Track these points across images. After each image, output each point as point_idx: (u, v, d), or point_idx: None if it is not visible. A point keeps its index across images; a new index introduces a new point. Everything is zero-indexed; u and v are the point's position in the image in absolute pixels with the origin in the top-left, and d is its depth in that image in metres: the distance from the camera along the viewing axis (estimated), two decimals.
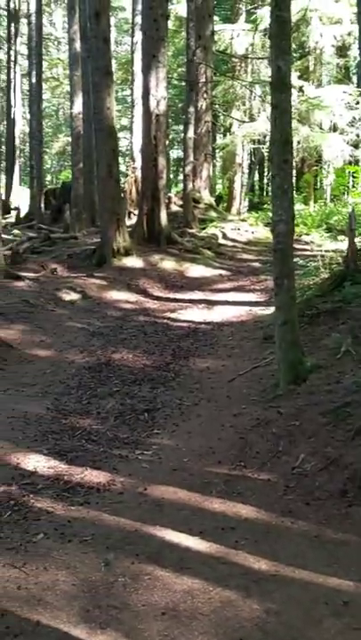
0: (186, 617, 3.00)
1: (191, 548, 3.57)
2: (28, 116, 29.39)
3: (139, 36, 17.31)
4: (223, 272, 12.74)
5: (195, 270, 12.60)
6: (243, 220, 18.43)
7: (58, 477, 4.48)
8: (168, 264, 12.56)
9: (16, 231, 18.25)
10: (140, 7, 16.60)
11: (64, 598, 3.12)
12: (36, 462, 4.71)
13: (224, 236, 15.71)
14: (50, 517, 3.91)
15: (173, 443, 5.08)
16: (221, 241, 15.30)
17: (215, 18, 19.37)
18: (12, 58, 24.50)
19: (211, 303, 10.28)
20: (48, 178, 36.53)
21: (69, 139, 32.10)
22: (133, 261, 12.22)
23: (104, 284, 11.07)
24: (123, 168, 20.12)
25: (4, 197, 23.19)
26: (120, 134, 17.48)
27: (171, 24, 18.65)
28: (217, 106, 20.85)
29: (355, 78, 21.43)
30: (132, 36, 20.92)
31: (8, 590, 3.15)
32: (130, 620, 2.97)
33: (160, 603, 3.09)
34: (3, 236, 12.28)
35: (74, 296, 10.30)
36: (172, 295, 11.02)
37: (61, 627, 2.91)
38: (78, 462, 4.73)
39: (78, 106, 17.08)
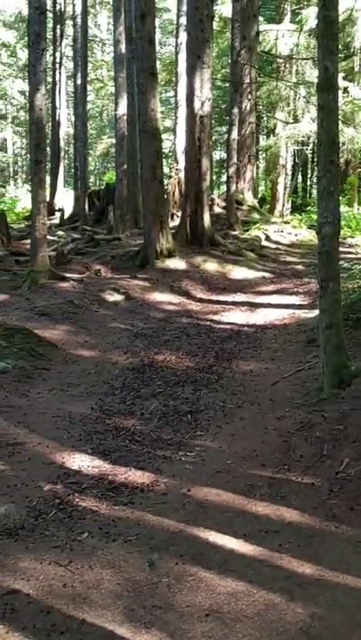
0: (230, 619, 3.01)
1: (235, 550, 3.58)
2: (73, 118, 29.78)
3: (183, 37, 17.39)
4: (266, 274, 12.70)
5: (237, 272, 12.60)
6: (286, 223, 18.33)
7: (102, 477, 4.55)
8: (211, 266, 12.59)
9: (60, 232, 18.53)
10: (185, 8, 16.68)
11: (109, 597, 3.17)
12: (81, 461, 4.79)
13: (267, 238, 15.65)
14: (94, 516, 3.97)
15: (217, 445, 5.10)
16: (264, 243, 15.26)
17: (260, 18, 19.27)
18: (58, 60, 24.82)
19: (254, 305, 10.25)
20: (91, 179, 36.99)
21: (113, 140, 32.40)
22: (176, 263, 12.29)
23: (147, 285, 11.16)
24: (166, 170, 20.22)
25: (48, 199, 23.53)
26: (163, 136, 17.57)
27: (215, 25, 18.64)
28: (261, 107, 20.79)
29: None
30: (177, 37, 21.00)
31: (54, 588, 3.22)
32: (174, 620, 3.01)
33: (204, 604, 3.12)
34: (47, 237, 12.46)
35: (117, 297, 10.41)
36: (214, 297, 11.03)
37: (106, 625, 2.96)
38: (122, 462, 4.80)
39: (123, 107, 17.24)
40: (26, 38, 28.61)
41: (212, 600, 3.15)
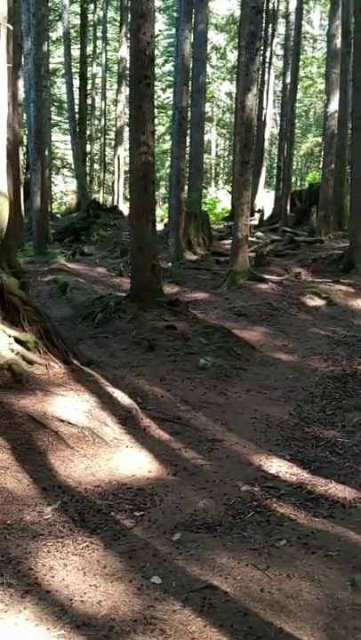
0: None
1: None
2: (278, 118, 29.88)
3: None
4: None
5: None
6: None
7: (301, 485, 4.47)
8: None
9: (259, 233, 18.71)
10: None
11: (307, 610, 3.10)
12: (279, 467, 4.76)
13: None
14: (293, 525, 3.91)
15: None
16: None
17: None
18: (268, 59, 25.09)
19: None
20: (292, 180, 36.88)
21: (318, 139, 32.04)
22: None
23: (351, 290, 10.83)
24: None
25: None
26: None
27: None
28: None
29: None
30: None
31: (251, 591, 3.22)
32: None
33: None
34: (248, 238, 12.63)
35: (318, 302, 10.25)
36: None
37: (305, 639, 2.90)
38: (322, 473, 4.68)
39: (334, 105, 16.93)
40: (236, 40, 29.39)
41: None
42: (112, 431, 5.03)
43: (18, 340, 5.59)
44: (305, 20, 32.16)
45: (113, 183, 31.34)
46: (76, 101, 28.81)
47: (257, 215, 22.64)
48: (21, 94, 17.49)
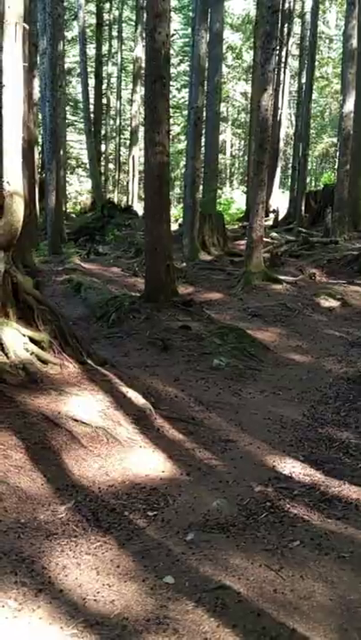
0: None
1: None
2: (293, 118, 29.81)
3: None
4: None
5: None
6: None
7: (314, 486, 4.47)
8: None
9: (274, 234, 18.67)
10: None
11: (320, 611, 3.10)
12: (292, 467, 4.76)
13: None
14: (306, 526, 3.91)
15: None
16: None
17: None
18: (283, 59, 25.04)
19: None
20: (307, 180, 36.75)
21: (334, 140, 31.94)
22: None
23: None
24: None
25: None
26: None
27: None
28: None
29: None
30: None
31: (264, 591, 3.22)
32: None
33: None
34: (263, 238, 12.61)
35: (333, 303, 10.22)
36: None
37: None
38: (335, 474, 4.67)
39: (350, 105, 16.86)
40: (251, 40, 29.36)
41: None
42: (126, 431, 5.05)
43: (32, 340, 5.62)
44: (321, 19, 32.04)
45: (128, 183, 31.48)
46: (92, 101, 28.92)
47: (272, 216, 22.61)
48: (37, 93, 17.57)
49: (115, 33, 33.79)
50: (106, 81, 34.16)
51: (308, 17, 23.25)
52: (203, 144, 16.39)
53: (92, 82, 30.34)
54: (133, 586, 3.24)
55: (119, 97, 34.64)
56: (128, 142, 32.52)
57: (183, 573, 3.34)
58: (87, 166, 31.42)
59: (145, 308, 8.59)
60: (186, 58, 33.85)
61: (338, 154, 18.60)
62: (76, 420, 4.92)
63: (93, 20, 32.16)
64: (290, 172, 28.64)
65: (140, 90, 26.83)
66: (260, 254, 11.66)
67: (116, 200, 30.19)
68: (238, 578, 3.31)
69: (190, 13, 24.96)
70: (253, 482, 4.46)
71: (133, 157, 29.34)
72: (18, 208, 5.62)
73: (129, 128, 32.27)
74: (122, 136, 35.93)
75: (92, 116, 27.94)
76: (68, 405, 5.08)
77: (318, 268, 12.87)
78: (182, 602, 3.10)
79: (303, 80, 22.36)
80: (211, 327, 8.18)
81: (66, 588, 3.20)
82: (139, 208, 24.28)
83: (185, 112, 28.07)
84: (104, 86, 33.42)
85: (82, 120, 30.28)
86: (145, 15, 10.82)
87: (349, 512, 4.13)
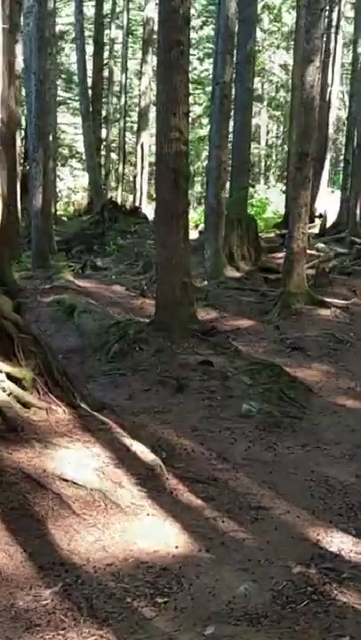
0: None
1: None
2: (347, 98, 30.00)
3: None
4: None
5: None
6: None
7: None
8: None
9: (321, 245, 18.73)
10: None
11: None
12: (341, 543, 4.79)
13: None
14: (358, 617, 3.94)
15: None
16: None
17: None
18: (334, 22, 25.13)
19: None
20: None
21: None
22: None
23: None
24: None
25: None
26: None
27: None
28: None
29: None
30: None
31: None
32: None
33: None
34: (306, 250, 12.67)
35: None
36: None
37: None
38: None
39: None
40: None
41: None
42: (129, 494, 5.10)
43: (11, 377, 5.67)
44: None
45: (135, 178, 31.76)
46: (90, 73, 29.15)
47: (318, 221, 22.68)
48: (20, 63, 17.34)
49: None
50: (108, 48, 34.54)
51: None
52: (231, 130, 16.54)
53: (90, 49, 30.67)
54: None
55: (125, 69, 35.03)
56: (135, 126, 32.88)
57: None
58: (83, 157, 31.78)
59: (155, 337, 8.67)
60: (210, 20, 34.28)
61: None
62: (65, 480, 4.97)
63: None
64: (341, 166, 28.76)
65: (152, 60, 27.16)
66: (303, 271, 11.73)
67: (119, 200, 30.43)
68: None
69: None
70: (291, 561, 4.49)
71: (142, 146, 29.65)
72: None
73: (137, 108, 32.66)
74: (128, 118, 36.31)
75: (89, 92, 28.17)
76: (56, 461, 5.13)
77: None
78: None
79: (359, 50, 22.57)
80: (239, 363, 8.24)
81: None
82: (149, 210, 24.45)
83: (208, 89, 28.41)
84: (106, 55, 33.81)
85: (77, 98, 30.67)
86: None
87: None
